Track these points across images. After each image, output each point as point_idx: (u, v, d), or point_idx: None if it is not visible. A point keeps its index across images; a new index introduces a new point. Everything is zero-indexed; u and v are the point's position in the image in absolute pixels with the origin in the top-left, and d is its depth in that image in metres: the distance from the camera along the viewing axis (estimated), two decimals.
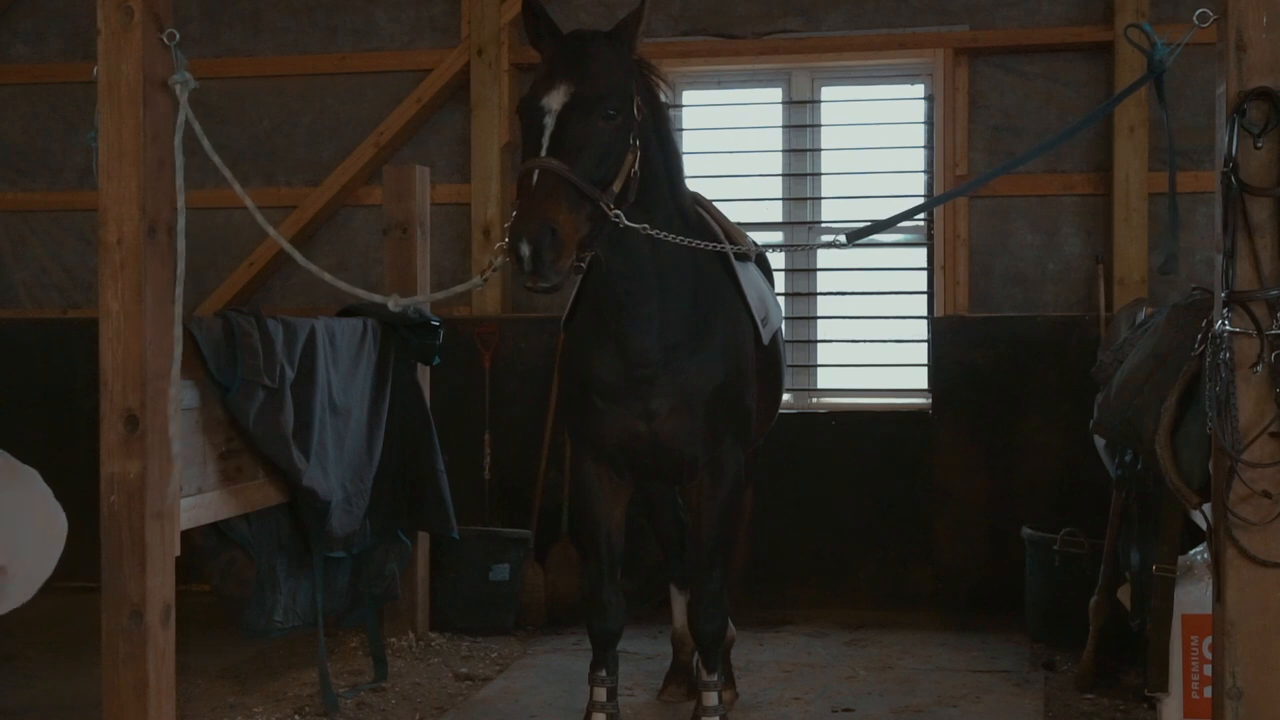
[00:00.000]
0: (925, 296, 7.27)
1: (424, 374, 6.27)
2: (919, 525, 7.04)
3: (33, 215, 8.08)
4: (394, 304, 4.52)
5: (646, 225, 4.18)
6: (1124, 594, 5.32)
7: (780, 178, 7.49)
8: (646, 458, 4.68)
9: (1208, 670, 4.51)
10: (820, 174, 7.46)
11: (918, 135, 7.33)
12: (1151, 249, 6.86)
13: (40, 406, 7.70)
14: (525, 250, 3.82)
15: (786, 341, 6.28)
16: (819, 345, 7.47)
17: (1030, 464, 6.91)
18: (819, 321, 7.46)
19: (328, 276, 4.36)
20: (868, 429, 7.15)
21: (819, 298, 7.49)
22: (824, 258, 7.42)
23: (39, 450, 7.65)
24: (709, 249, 4.49)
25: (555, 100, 4.05)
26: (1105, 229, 7.00)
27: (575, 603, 6.66)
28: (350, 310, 5.87)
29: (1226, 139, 3.57)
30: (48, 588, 7.51)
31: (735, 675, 5.54)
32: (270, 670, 5.97)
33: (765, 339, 4.98)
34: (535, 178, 3.92)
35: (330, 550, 5.40)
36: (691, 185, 4.93)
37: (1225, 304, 3.55)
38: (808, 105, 7.45)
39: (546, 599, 6.86)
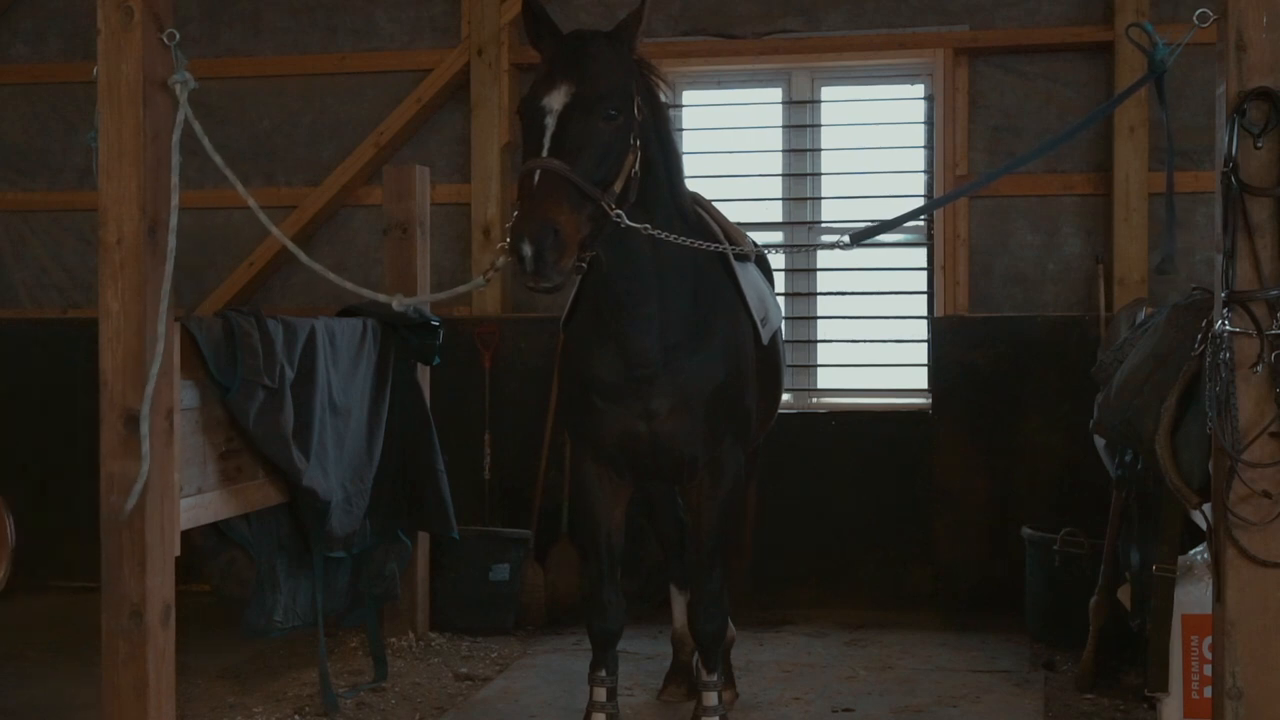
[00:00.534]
0: (925, 296, 7.27)
1: (424, 374, 6.27)
2: (919, 525, 7.04)
3: (33, 215, 8.08)
4: (398, 304, 4.53)
5: (648, 225, 4.18)
6: (1124, 594, 5.32)
7: (780, 178, 7.49)
8: (646, 458, 4.68)
9: (1208, 670, 4.51)
10: (820, 174, 7.46)
11: (918, 135, 7.33)
12: (1151, 249, 6.86)
13: (40, 406, 7.70)
14: (527, 250, 3.82)
15: (786, 341, 6.29)
16: (819, 345, 7.47)
17: (1030, 464, 6.91)
18: (819, 321, 7.46)
19: (333, 276, 4.37)
20: (868, 429, 7.15)
21: (819, 298, 7.49)
22: (824, 258, 7.42)
23: (39, 450, 7.71)
24: (709, 249, 4.49)
25: (556, 100, 4.05)
26: (1105, 229, 7.00)
27: (575, 603, 6.67)
28: (350, 310, 5.88)
29: (1226, 139, 3.57)
30: (46, 587, 7.53)
31: (735, 675, 5.54)
32: (270, 670, 5.97)
33: (765, 339, 4.99)
34: (537, 178, 3.92)
35: (330, 550, 5.40)
36: (691, 185, 4.93)
37: (1225, 304, 3.55)
38: (808, 105, 7.45)
39: (546, 599, 6.86)
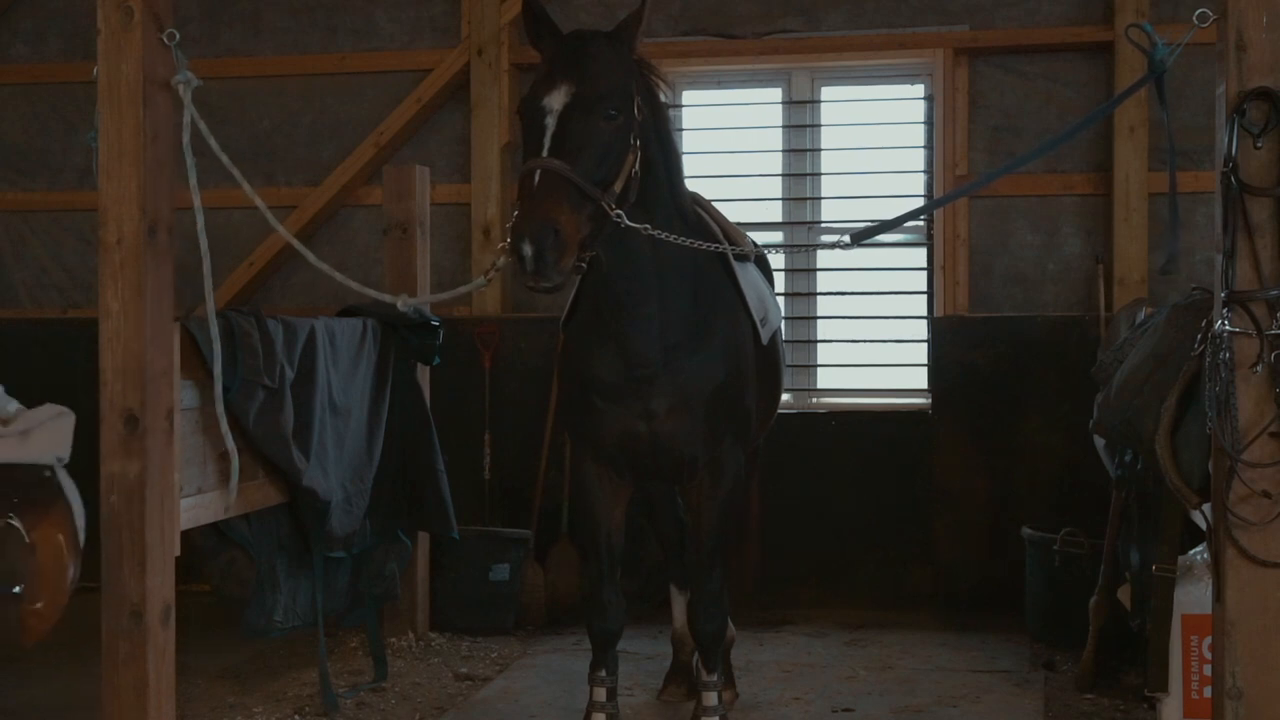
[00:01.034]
0: (925, 296, 7.28)
1: (424, 374, 6.27)
2: (919, 525, 7.04)
3: (33, 215, 8.08)
4: (402, 304, 4.54)
5: (648, 225, 4.18)
6: (1124, 594, 5.32)
7: (780, 178, 7.49)
8: (646, 458, 4.68)
9: (1208, 670, 4.51)
10: (820, 174, 7.46)
11: (918, 135, 7.33)
12: (1151, 249, 6.86)
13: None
14: (528, 250, 3.82)
15: (786, 341, 6.29)
16: (819, 345, 7.47)
17: (1030, 464, 6.91)
18: (819, 321, 7.46)
19: (339, 276, 4.38)
20: (868, 429, 7.15)
21: (819, 298, 7.49)
22: (824, 258, 7.42)
23: None
24: (709, 249, 4.49)
25: (556, 100, 4.05)
26: (1105, 229, 7.00)
27: (575, 603, 6.67)
28: (350, 310, 5.88)
29: (1226, 139, 3.57)
30: None
31: (735, 675, 5.54)
32: (270, 670, 5.97)
33: (764, 339, 4.98)
34: (537, 178, 3.92)
35: (330, 550, 5.40)
36: (691, 185, 4.93)
37: (1225, 304, 3.55)
38: (808, 105, 7.45)
39: (546, 599, 6.86)
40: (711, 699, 4.92)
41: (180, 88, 4.15)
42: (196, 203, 4.18)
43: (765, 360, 5.02)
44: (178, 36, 4.15)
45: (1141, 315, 5.68)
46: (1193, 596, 4.63)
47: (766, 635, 6.60)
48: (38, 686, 5.73)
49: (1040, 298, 7.14)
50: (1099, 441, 5.62)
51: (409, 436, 5.96)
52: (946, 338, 7.07)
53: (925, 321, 7.25)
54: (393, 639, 6.31)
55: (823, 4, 7.29)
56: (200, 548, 5.01)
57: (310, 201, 7.58)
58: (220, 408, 4.51)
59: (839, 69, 7.43)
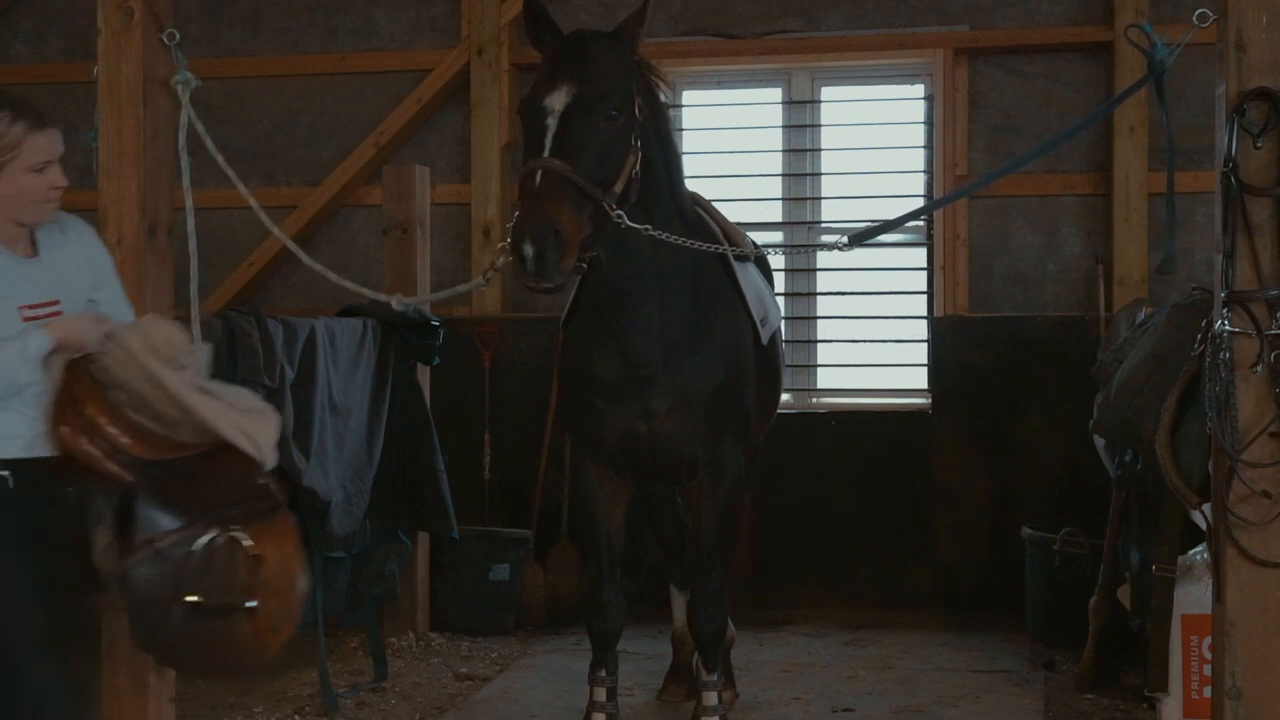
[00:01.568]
0: (925, 296, 7.27)
1: (424, 374, 6.27)
2: (919, 525, 7.04)
3: None
4: (398, 303, 4.54)
5: (649, 226, 4.18)
6: (1124, 594, 5.32)
7: (780, 178, 7.49)
8: (646, 458, 4.68)
9: (1208, 670, 4.51)
10: (820, 174, 7.46)
11: (918, 135, 7.33)
12: (1151, 249, 6.86)
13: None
14: (529, 251, 3.82)
15: (786, 341, 6.29)
16: (819, 345, 7.47)
17: (1030, 464, 6.91)
18: (819, 321, 7.46)
19: (333, 276, 4.37)
20: (868, 429, 7.15)
21: (819, 298, 7.49)
22: (824, 258, 7.41)
23: None
24: (710, 250, 4.49)
25: (557, 100, 4.05)
26: (1105, 229, 7.00)
27: (575, 603, 6.66)
28: (350, 310, 5.88)
29: (1226, 139, 3.57)
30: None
31: (735, 675, 5.54)
32: (270, 670, 5.97)
33: (764, 339, 4.98)
34: (538, 178, 3.92)
35: (330, 550, 5.40)
36: (691, 185, 4.93)
37: (1225, 304, 3.55)
38: (808, 105, 7.45)
39: (546, 599, 6.86)
40: (711, 699, 4.92)
41: (179, 88, 4.15)
42: (188, 203, 4.18)
43: (765, 360, 5.02)
44: (178, 36, 4.15)
45: (1141, 315, 5.68)
46: (1193, 596, 4.63)
47: (766, 635, 6.60)
48: None
49: (1040, 298, 7.14)
50: (1099, 441, 5.61)
51: (409, 436, 5.96)
52: (946, 338, 7.07)
53: (925, 321, 7.24)
54: (393, 639, 6.31)
55: (823, 4, 7.29)
56: None
57: (310, 201, 7.58)
58: None
59: (839, 69, 7.43)
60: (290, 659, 6.06)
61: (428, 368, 6.28)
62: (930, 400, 7.13)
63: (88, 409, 3.41)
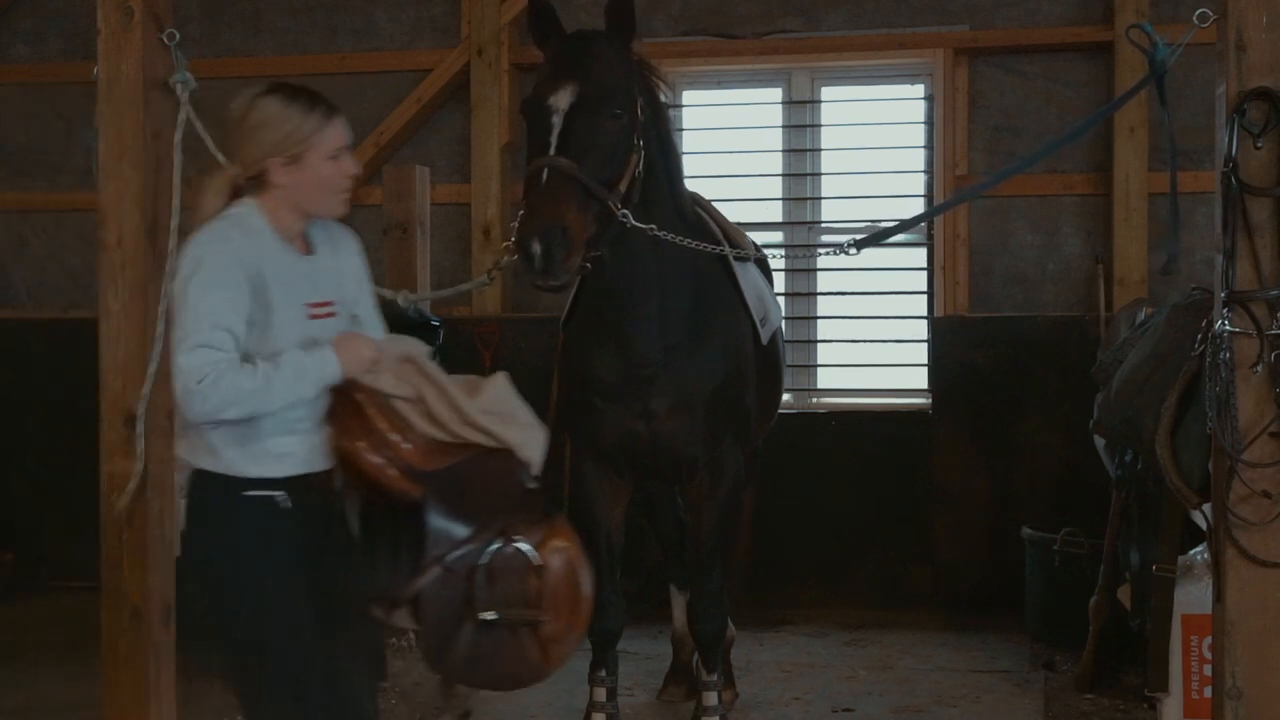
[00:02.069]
0: (925, 296, 7.27)
1: None
2: (919, 525, 7.04)
3: (33, 215, 8.07)
4: (403, 300, 4.53)
5: (653, 226, 4.18)
6: (1124, 594, 5.32)
7: (780, 178, 7.49)
8: (646, 458, 4.68)
9: (1208, 670, 4.51)
10: (820, 174, 7.46)
11: (918, 135, 7.33)
12: (1151, 249, 6.86)
13: (40, 406, 7.69)
14: (536, 248, 3.82)
15: (786, 341, 6.28)
16: (819, 345, 7.47)
17: (1030, 464, 6.91)
18: (819, 321, 7.46)
19: None
20: (868, 429, 7.15)
21: (819, 298, 7.49)
22: (824, 258, 7.41)
23: (39, 450, 7.70)
24: (712, 251, 4.49)
25: (562, 100, 4.05)
26: (1105, 229, 7.00)
27: None
28: None
29: (1226, 139, 3.56)
30: (46, 587, 7.51)
31: (735, 675, 5.54)
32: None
33: (764, 339, 4.99)
34: (544, 177, 3.92)
35: None
36: (691, 185, 4.93)
37: (1225, 304, 3.55)
38: (808, 105, 7.45)
39: None
40: (711, 699, 4.92)
41: (179, 88, 4.15)
42: (175, 202, 4.17)
43: (765, 360, 5.02)
44: (178, 36, 4.14)
45: (1141, 315, 5.68)
46: (1193, 596, 4.63)
47: (766, 635, 6.60)
48: (38, 686, 5.73)
49: (1040, 298, 7.14)
50: (1099, 441, 5.62)
51: None
52: (946, 338, 7.07)
53: (925, 321, 7.24)
54: (393, 639, 6.30)
55: (823, 4, 7.29)
56: None
57: None
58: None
59: (839, 69, 7.43)
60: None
61: None
62: (930, 400, 7.13)
63: (370, 418, 3.24)
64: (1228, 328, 3.54)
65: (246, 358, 3.24)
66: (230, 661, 3.29)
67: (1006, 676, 5.87)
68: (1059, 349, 6.89)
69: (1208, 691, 4.40)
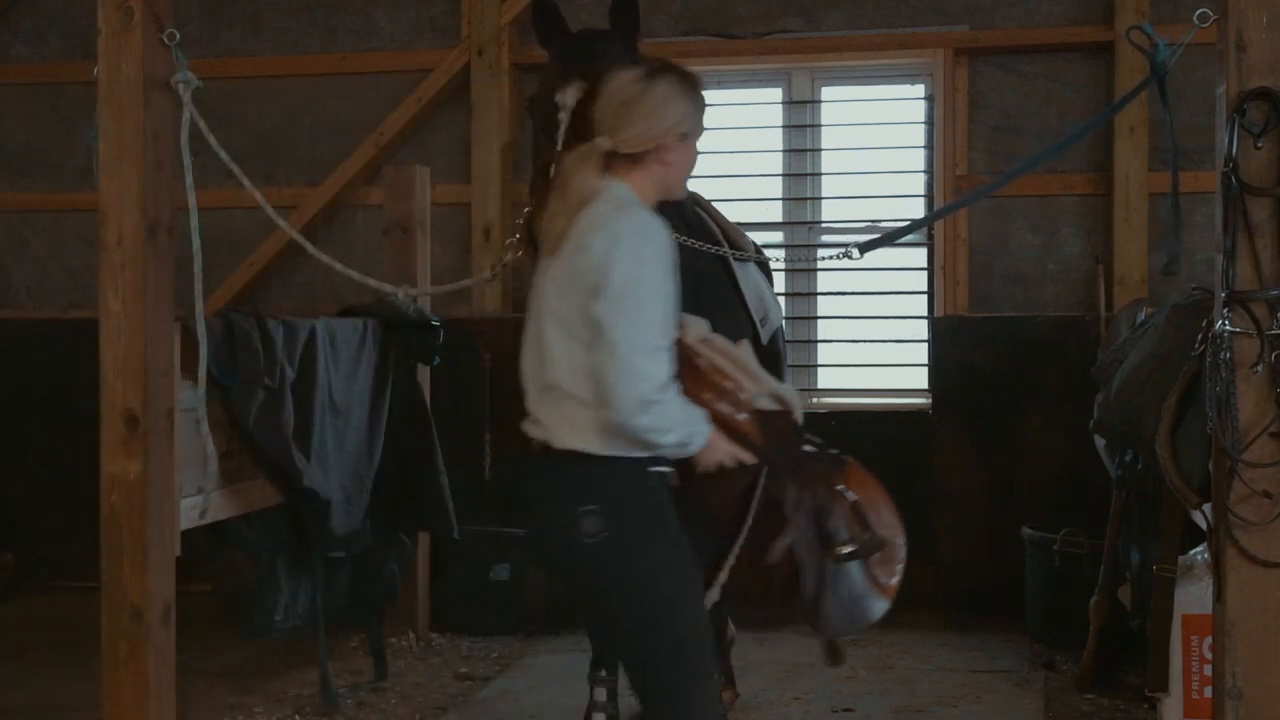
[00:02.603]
0: (925, 296, 7.28)
1: (424, 374, 6.27)
2: (919, 525, 6.95)
3: (33, 215, 8.08)
4: (404, 293, 4.56)
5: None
6: (1124, 594, 5.32)
7: (780, 178, 7.49)
8: None
9: (1208, 670, 4.51)
10: (820, 174, 7.46)
11: (918, 135, 7.33)
12: (1151, 249, 6.86)
13: (40, 406, 7.70)
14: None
15: (787, 341, 6.28)
16: (819, 345, 7.47)
17: (1030, 464, 6.91)
18: (819, 321, 7.46)
19: (339, 265, 4.39)
20: (868, 429, 7.14)
21: (819, 298, 7.49)
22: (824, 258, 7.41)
23: (39, 450, 7.71)
24: (711, 251, 4.49)
25: (569, 97, 4.07)
26: (1105, 229, 7.00)
27: (575, 603, 6.65)
28: (350, 310, 5.87)
29: (1226, 139, 3.57)
30: (46, 587, 7.52)
31: (735, 675, 5.54)
32: (270, 670, 5.97)
33: (764, 339, 4.98)
34: (553, 172, 3.93)
35: (331, 550, 5.40)
36: (691, 185, 4.91)
37: (1225, 304, 3.55)
38: (808, 105, 7.45)
39: (546, 599, 6.86)
40: None
41: (180, 87, 4.16)
42: (191, 202, 4.18)
43: (766, 360, 5.00)
44: (178, 36, 4.15)
45: (1141, 315, 5.68)
46: (1193, 596, 4.63)
47: (766, 635, 6.59)
48: (38, 686, 5.74)
49: (1040, 298, 7.14)
50: (1099, 441, 5.62)
51: (409, 436, 5.95)
52: (946, 338, 7.07)
53: (925, 321, 7.25)
54: (393, 639, 6.31)
55: (823, 4, 7.29)
56: (200, 548, 5.00)
57: (310, 202, 7.58)
58: (202, 409, 4.48)
59: (839, 69, 7.43)
60: (290, 659, 6.07)
61: (428, 368, 6.28)
62: (930, 400, 7.14)
63: (714, 375, 3.52)
64: (1228, 328, 3.54)
65: None
66: (646, 619, 3.36)
67: (1006, 676, 5.87)
68: (1059, 349, 6.89)
69: (1208, 691, 4.40)
